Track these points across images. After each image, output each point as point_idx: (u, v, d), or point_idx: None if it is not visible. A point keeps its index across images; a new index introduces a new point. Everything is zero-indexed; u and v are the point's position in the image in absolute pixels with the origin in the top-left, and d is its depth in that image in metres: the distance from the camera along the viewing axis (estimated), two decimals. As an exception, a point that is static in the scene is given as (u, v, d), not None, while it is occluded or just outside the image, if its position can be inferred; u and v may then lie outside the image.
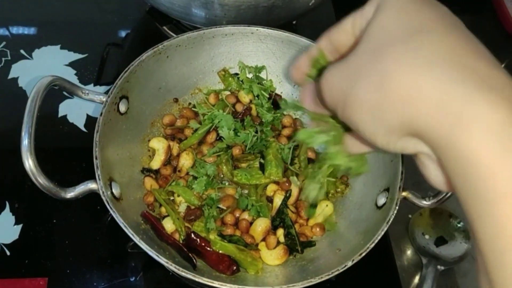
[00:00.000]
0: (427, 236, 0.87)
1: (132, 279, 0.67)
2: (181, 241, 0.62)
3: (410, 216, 0.89)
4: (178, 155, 0.70)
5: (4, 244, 0.68)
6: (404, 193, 0.60)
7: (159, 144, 0.70)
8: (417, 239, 0.86)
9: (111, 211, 0.54)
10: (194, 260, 0.60)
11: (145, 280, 0.67)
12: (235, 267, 0.60)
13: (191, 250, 0.61)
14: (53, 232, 0.70)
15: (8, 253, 0.67)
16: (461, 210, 0.99)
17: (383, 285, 0.72)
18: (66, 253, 0.68)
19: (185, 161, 0.68)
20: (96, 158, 0.57)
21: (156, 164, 0.69)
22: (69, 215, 0.71)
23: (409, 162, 0.97)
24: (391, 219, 0.57)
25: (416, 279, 0.82)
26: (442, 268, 0.81)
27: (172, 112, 0.75)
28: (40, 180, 0.52)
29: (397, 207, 0.58)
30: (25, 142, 0.52)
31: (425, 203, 0.60)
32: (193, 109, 0.75)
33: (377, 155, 0.67)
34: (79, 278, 0.66)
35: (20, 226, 0.70)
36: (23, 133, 0.52)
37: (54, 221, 0.71)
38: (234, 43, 0.74)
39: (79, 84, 0.80)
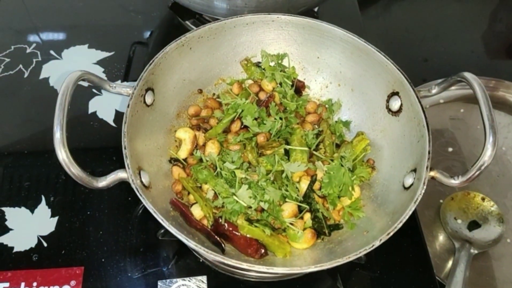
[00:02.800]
0: (459, 221, 0.85)
1: (165, 268, 0.69)
2: (209, 227, 0.63)
3: (441, 201, 0.88)
4: (204, 145, 0.71)
5: (41, 236, 0.71)
6: (432, 173, 0.59)
7: (185, 134, 0.71)
8: (449, 223, 0.85)
9: (140, 198, 0.55)
10: (223, 245, 0.61)
11: (177, 268, 0.69)
12: (263, 250, 0.60)
13: (219, 235, 0.61)
14: (88, 223, 0.72)
15: (45, 244, 0.70)
16: (494, 193, 0.96)
17: (415, 270, 0.71)
18: (100, 243, 0.70)
19: (211, 149, 0.69)
20: (125, 148, 0.59)
21: (183, 153, 0.70)
22: (102, 206, 0.74)
23: (438, 146, 0.96)
24: (419, 199, 0.56)
25: (449, 264, 0.81)
26: (475, 252, 0.80)
27: (197, 102, 0.77)
28: (73, 170, 0.54)
29: (425, 187, 0.57)
30: (58, 134, 0.54)
31: (454, 182, 0.58)
32: (217, 99, 0.76)
33: (404, 136, 0.67)
34: (114, 266, 0.68)
35: (56, 218, 0.73)
36: (55, 126, 0.54)
37: (88, 212, 0.73)
38: (255, 31, 0.75)
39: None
